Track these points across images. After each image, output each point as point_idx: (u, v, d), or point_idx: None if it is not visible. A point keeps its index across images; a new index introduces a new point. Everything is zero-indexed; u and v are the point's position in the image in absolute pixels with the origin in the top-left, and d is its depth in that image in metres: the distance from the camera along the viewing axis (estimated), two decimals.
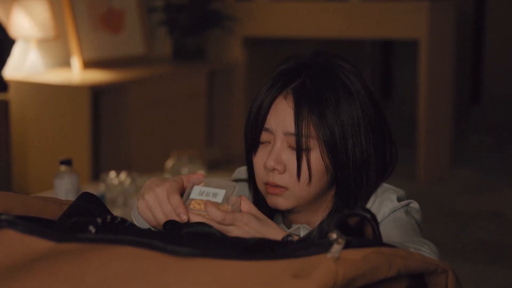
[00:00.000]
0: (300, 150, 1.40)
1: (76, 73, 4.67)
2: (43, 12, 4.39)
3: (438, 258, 1.31)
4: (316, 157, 1.41)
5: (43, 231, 1.09)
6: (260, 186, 1.46)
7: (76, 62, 4.73)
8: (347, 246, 1.00)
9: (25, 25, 4.36)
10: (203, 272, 0.99)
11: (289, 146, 1.42)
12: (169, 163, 3.18)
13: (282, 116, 1.42)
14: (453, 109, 5.50)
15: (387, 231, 1.40)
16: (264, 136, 1.44)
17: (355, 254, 1.00)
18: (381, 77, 7.71)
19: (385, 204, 1.45)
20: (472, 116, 7.42)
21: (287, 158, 1.42)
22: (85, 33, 4.81)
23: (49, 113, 4.39)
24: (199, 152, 4.16)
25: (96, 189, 2.91)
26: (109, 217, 1.16)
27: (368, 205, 1.46)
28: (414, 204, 1.50)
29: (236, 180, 1.62)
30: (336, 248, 0.99)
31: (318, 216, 1.48)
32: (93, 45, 4.86)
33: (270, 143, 1.44)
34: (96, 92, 4.49)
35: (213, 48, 5.66)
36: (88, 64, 4.78)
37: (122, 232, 1.13)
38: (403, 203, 1.47)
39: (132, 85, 4.63)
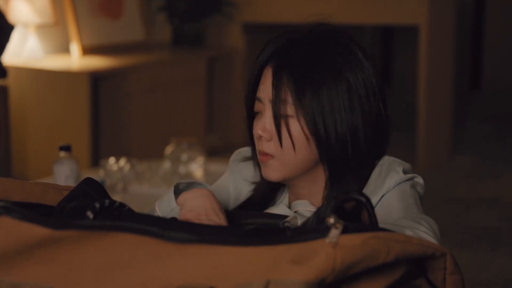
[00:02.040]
0: (277, 116, 1.40)
1: (75, 59, 4.66)
2: None
3: (437, 235, 1.31)
4: (295, 124, 1.41)
5: (40, 218, 1.09)
6: (258, 157, 1.48)
7: (75, 48, 4.72)
8: (345, 231, 1.00)
9: (24, 11, 4.34)
10: (201, 258, 0.99)
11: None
12: (169, 150, 3.18)
13: (268, 85, 1.43)
14: (453, 96, 5.50)
15: (391, 203, 1.40)
16: (257, 106, 1.46)
17: (353, 239, 0.99)
18: (381, 64, 7.70)
19: (391, 176, 1.43)
20: (472, 102, 7.42)
21: (272, 126, 1.42)
22: (84, 19, 4.80)
23: (49, 99, 4.38)
24: (198, 138, 4.16)
25: (95, 175, 2.91)
26: (107, 201, 1.15)
27: (373, 176, 1.44)
28: (419, 179, 1.48)
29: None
30: (334, 232, 0.99)
31: (318, 186, 1.47)
32: (92, 31, 4.84)
33: (261, 112, 1.45)
34: (96, 78, 4.48)
35: (212, 34, 5.65)
36: (87, 50, 4.77)
37: (120, 218, 1.12)
38: (408, 175, 1.45)
39: (131, 71, 4.63)
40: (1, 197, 1.27)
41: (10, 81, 4.26)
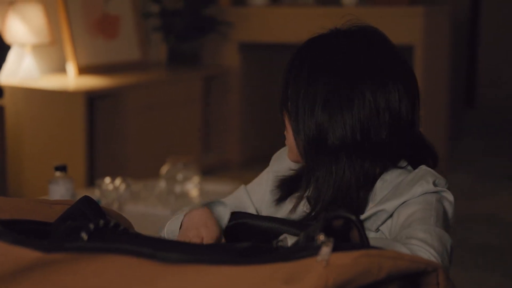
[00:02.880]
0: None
1: (71, 79, 4.68)
2: (38, 18, 4.39)
3: (441, 251, 1.31)
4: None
5: (30, 242, 1.08)
6: None
7: (71, 67, 4.73)
8: (334, 249, 1.00)
9: (20, 30, 4.36)
10: (194, 279, 0.99)
11: None
12: (164, 169, 3.18)
13: None
14: (448, 114, 5.52)
15: (410, 208, 1.41)
16: None
17: (344, 258, 0.99)
18: None
19: (420, 184, 1.45)
20: (467, 120, 7.43)
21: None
22: (80, 39, 4.82)
23: (44, 119, 4.39)
24: (194, 157, 4.16)
25: (91, 195, 2.90)
26: (102, 222, 1.15)
27: (404, 181, 1.47)
28: (448, 195, 1.49)
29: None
30: (325, 250, 0.99)
31: None
32: (88, 50, 4.86)
33: None
34: (92, 98, 4.49)
35: (208, 53, 5.67)
36: (84, 70, 4.79)
37: (113, 239, 1.12)
38: (437, 188, 1.46)
39: (127, 90, 4.64)
40: None
41: (6, 101, 4.27)
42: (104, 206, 2.89)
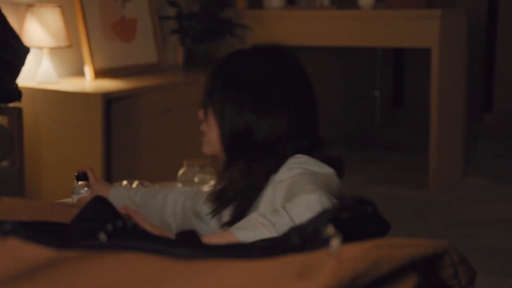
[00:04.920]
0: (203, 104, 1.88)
1: (88, 82, 4.70)
2: (56, 21, 4.42)
3: (314, 209, 1.45)
4: (210, 113, 1.83)
5: (44, 239, 1.08)
6: None
7: (88, 70, 4.75)
8: (344, 240, 0.99)
9: (38, 33, 4.39)
10: (206, 274, 0.98)
11: None
12: (181, 172, 3.19)
13: None
14: (465, 117, 5.50)
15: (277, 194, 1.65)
16: None
17: (354, 251, 0.98)
18: (393, 85, 7.71)
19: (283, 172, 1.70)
20: (484, 124, 7.41)
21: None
22: (98, 42, 4.84)
23: (62, 121, 4.41)
24: (211, 160, 4.16)
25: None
26: (120, 222, 1.14)
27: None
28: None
29: None
30: (335, 242, 0.98)
31: None
32: (105, 53, 4.88)
33: None
34: (108, 100, 4.51)
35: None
36: (101, 73, 4.81)
37: (129, 238, 1.11)
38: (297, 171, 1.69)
39: (144, 93, 4.65)
40: (10, 217, 1.27)
41: (23, 103, 4.29)
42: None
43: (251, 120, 1.73)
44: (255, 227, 1.40)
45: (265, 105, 1.73)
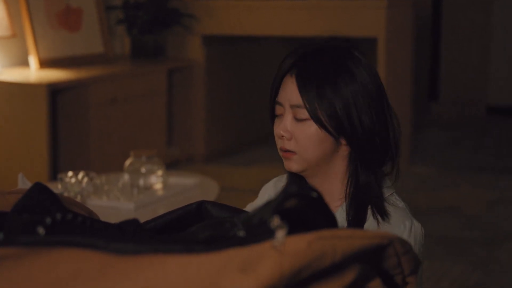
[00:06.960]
0: (302, 119, 1.65)
1: (33, 72, 4.63)
2: None
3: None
4: (311, 126, 1.65)
5: None
6: (279, 152, 1.71)
7: (33, 61, 4.68)
8: (289, 232, 0.97)
9: None
10: (145, 270, 0.96)
11: (294, 117, 1.66)
12: (128, 162, 3.17)
13: (289, 91, 1.66)
14: (411, 106, 5.55)
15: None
16: (278, 110, 1.69)
17: (299, 242, 0.96)
18: None
19: (400, 230, 1.67)
20: (430, 113, 7.49)
21: (293, 126, 1.67)
22: (42, 32, 4.77)
23: (6, 113, 4.35)
24: (158, 151, 4.14)
25: (54, 189, 2.88)
26: (59, 215, 1.10)
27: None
28: (417, 227, 1.70)
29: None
30: (280, 233, 0.96)
31: (331, 179, 1.72)
32: (50, 43, 4.81)
33: (282, 115, 1.69)
34: (54, 91, 4.45)
35: (172, 46, 5.65)
36: (46, 63, 4.74)
37: (69, 231, 1.09)
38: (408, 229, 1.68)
39: (90, 83, 4.60)
40: None
41: None
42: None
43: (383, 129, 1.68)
44: None
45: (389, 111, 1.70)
